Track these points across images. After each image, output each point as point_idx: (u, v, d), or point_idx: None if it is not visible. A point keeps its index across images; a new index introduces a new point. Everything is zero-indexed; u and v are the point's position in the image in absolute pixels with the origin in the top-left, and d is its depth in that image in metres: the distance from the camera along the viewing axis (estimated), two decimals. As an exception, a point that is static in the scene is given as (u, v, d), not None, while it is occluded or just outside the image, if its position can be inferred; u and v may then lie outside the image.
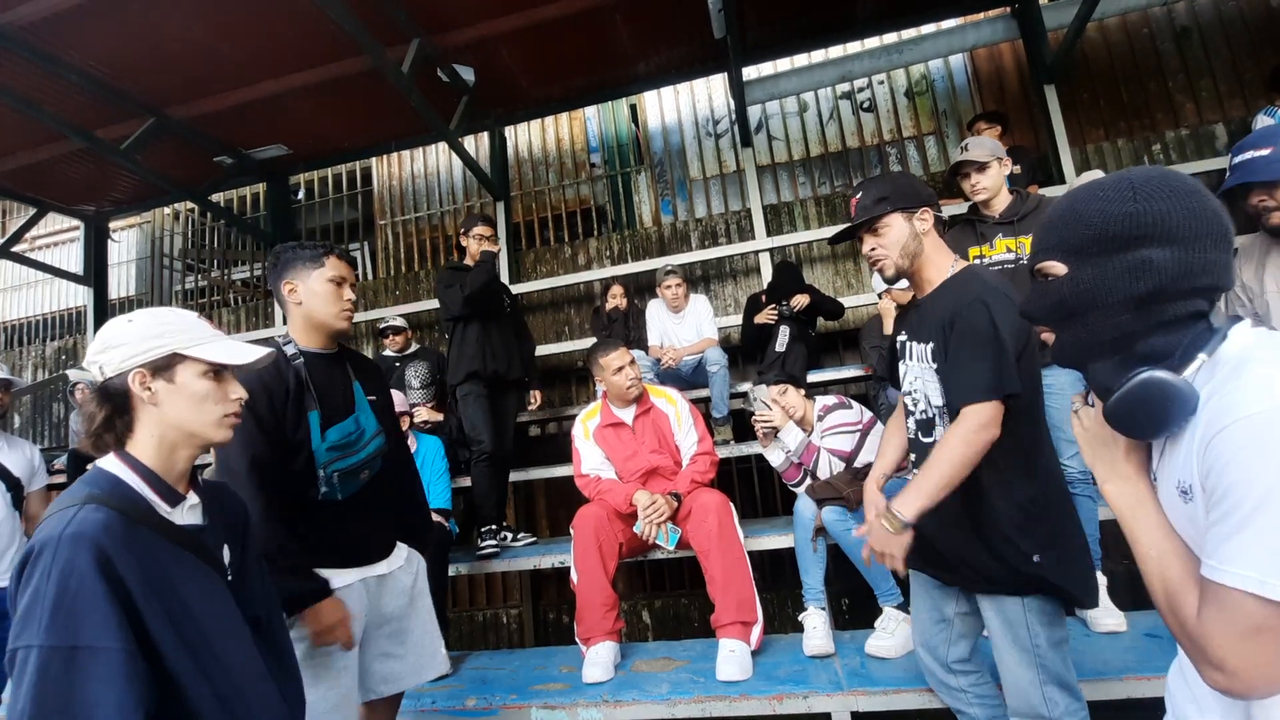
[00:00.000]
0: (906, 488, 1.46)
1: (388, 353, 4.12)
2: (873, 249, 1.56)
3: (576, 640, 2.48)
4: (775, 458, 2.72)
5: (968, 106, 4.92)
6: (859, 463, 2.63)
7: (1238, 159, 1.81)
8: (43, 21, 3.15)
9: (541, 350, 4.38)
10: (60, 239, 7.03)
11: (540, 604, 4.46)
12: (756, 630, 2.34)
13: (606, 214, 5.60)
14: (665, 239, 5.01)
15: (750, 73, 4.72)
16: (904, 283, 1.65)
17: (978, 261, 2.46)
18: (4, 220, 6.93)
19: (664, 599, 4.37)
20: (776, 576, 4.03)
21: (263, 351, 1.14)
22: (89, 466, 1.04)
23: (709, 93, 5.42)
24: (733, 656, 2.25)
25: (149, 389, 1.03)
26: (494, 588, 4.74)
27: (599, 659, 2.35)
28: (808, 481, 2.64)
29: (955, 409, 1.44)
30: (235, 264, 6.88)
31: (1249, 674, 0.66)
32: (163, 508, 1.02)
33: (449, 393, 3.40)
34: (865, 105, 5.18)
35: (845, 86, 5.13)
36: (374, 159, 5.88)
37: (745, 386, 3.80)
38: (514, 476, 3.60)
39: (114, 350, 1.03)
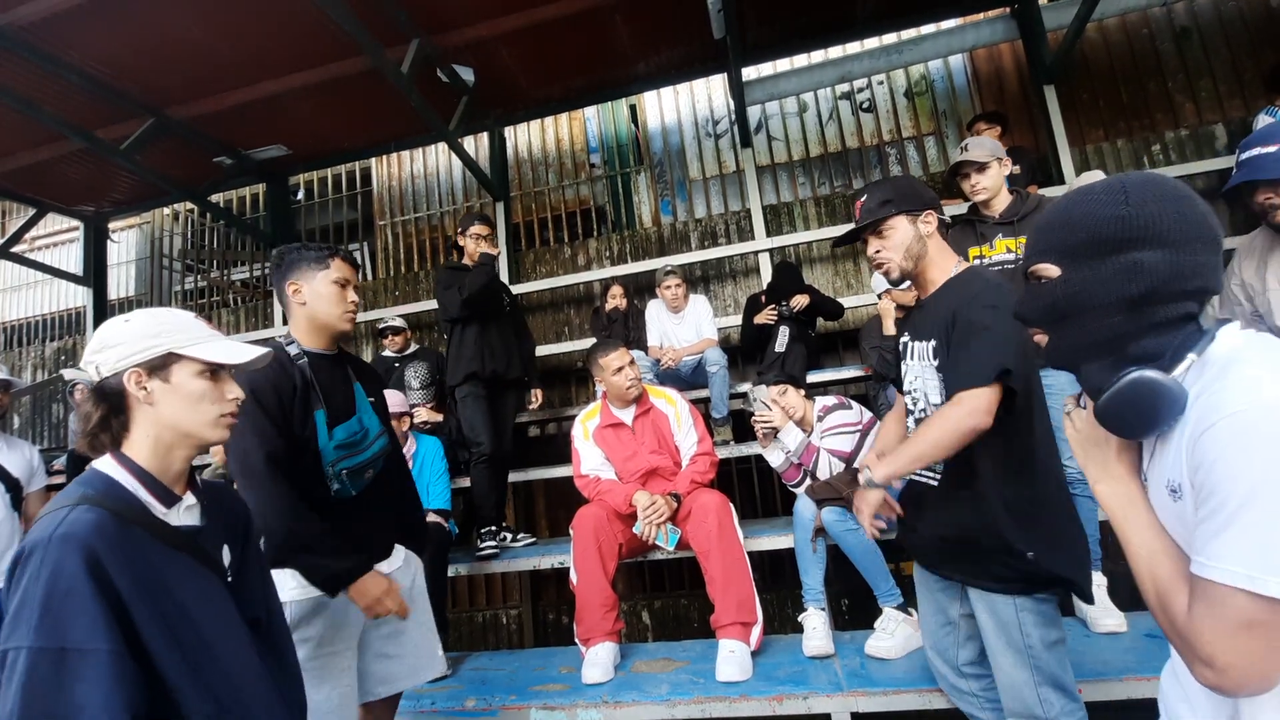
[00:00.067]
0: (885, 455, 1.55)
1: (387, 353, 4.12)
2: (877, 251, 1.59)
3: (576, 641, 2.48)
4: (775, 458, 2.72)
5: (967, 107, 4.92)
6: (859, 463, 2.62)
7: (1245, 155, 1.80)
8: (43, 21, 3.15)
9: (541, 351, 4.38)
10: (60, 239, 7.03)
11: (540, 605, 4.46)
12: (756, 631, 2.34)
13: (606, 214, 5.60)
14: (665, 239, 5.00)
15: (750, 73, 4.72)
16: (906, 283, 1.66)
17: (978, 262, 2.46)
18: (3, 221, 6.93)
19: (664, 600, 4.37)
20: (776, 577, 4.03)
21: (259, 351, 1.14)
22: (87, 468, 1.03)
23: (709, 93, 5.42)
24: (732, 657, 2.25)
25: (144, 388, 1.03)
26: (493, 588, 4.74)
27: (598, 660, 2.35)
28: (807, 482, 2.63)
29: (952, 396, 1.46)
30: (235, 264, 6.88)
31: (1239, 670, 0.67)
32: (158, 509, 1.02)
33: (448, 393, 3.39)
34: (865, 106, 5.18)
35: (845, 87, 5.13)
36: (373, 159, 5.88)
37: (745, 387, 3.79)
38: (513, 477, 3.59)
39: (110, 350, 1.03)
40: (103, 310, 5.35)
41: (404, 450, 3.00)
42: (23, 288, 7.16)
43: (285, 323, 5.43)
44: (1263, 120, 3.30)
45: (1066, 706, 1.46)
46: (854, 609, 3.86)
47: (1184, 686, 0.84)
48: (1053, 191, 3.73)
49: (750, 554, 2.50)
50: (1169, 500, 0.77)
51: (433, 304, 4.41)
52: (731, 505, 2.53)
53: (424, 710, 2.33)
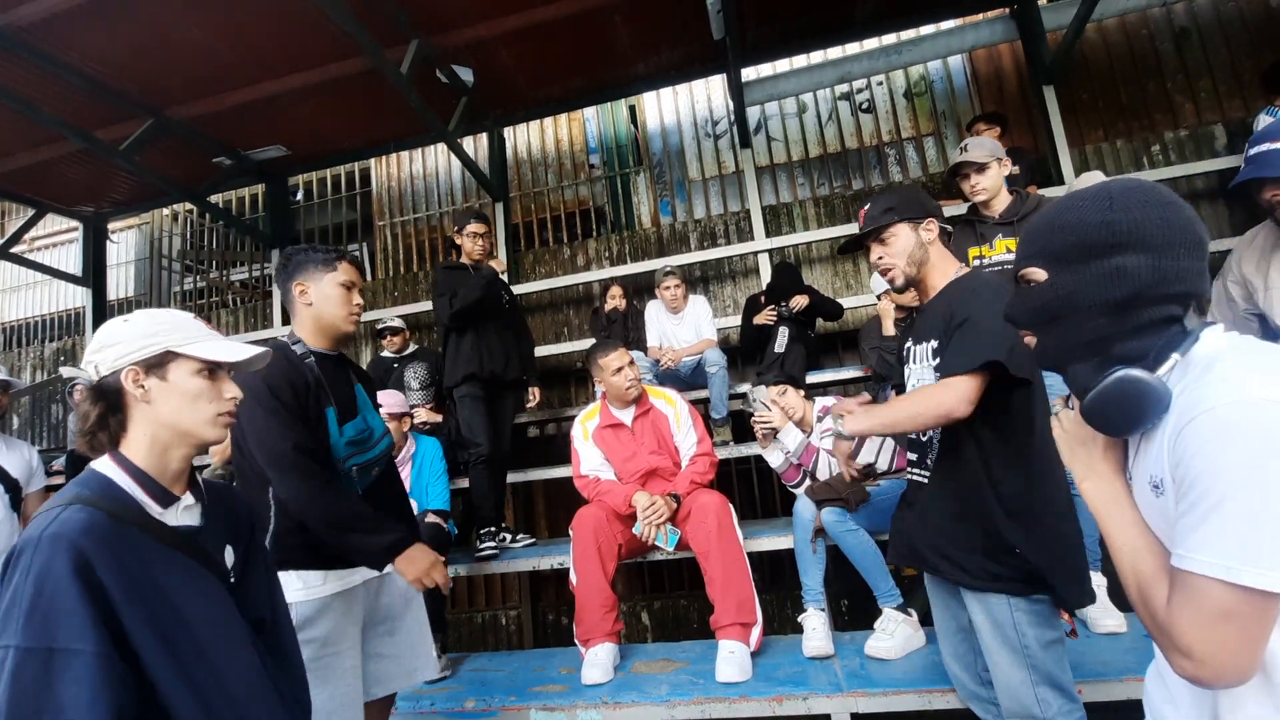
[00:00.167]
0: (860, 411, 1.63)
1: (386, 353, 4.12)
2: (880, 258, 1.64)
3: (575, 642, 2.48)
4: (774, 459, 2.71)
5: (967, 107, 4.92)
6: (858, 463, 2.62)
7: (1253, 151, 1.79)
8: (42, 22, 3.14)
9: (540, 351, 4.37)
10: (59, 240, 7.03)
11: (539, 605, 4.45)
12: (756, 631, 2.34)
13: (605, 215, 5.60)
14: (664, 240, 5.00)
15: (749, 74, 4.72)
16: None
17: (977, 262, 2.47)
18: (2, 221, 6.92)
19: (663, 600, 4.37)
20: (776, 578, 4.02)
21: (257, 350, 1.14)
22: (85, 468, 1.03)
23: (708, 94, 5.42)
24: (732, 658, 2.24)
25: (142, 386, 1.02)
26: (493, 589, 4.73)
27: (598, 660, 2.35)
28: (807, 482, 2.63)
29: None
30: (234, 265, 6.88)
31: (1216, 660, 0.69)
32: (154, 508, 1.02)
33: (446, 394, 3.39)
34: (864, 106, 5.19)
35: (844, 87, 5.14)
36: (373, 160, 5.88)
37: (744, 387, 3.79)
38: (513, 478, 3.59)
39: (109, 349, 1.03)
40: (102, 311, 5.34)
41: (404, 451, 3.01)
42: (22, 288, 7.15)
43: (284, 323, 5.44)
44: (1263, 120, 3.28)
45: (1064, 706, 1.46)
46: (854, 609, 3.85)
47: (1168, 686, 0.85)
48: (1052, 192, 3.73)
49: (750, 554, 2.50)
50: (1152, 496, 0.79)
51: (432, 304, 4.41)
52: (731, 506, 2.53)
53: (424, 711, 2.33)
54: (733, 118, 4.94)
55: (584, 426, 2.77)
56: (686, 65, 4.47)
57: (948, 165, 3.79)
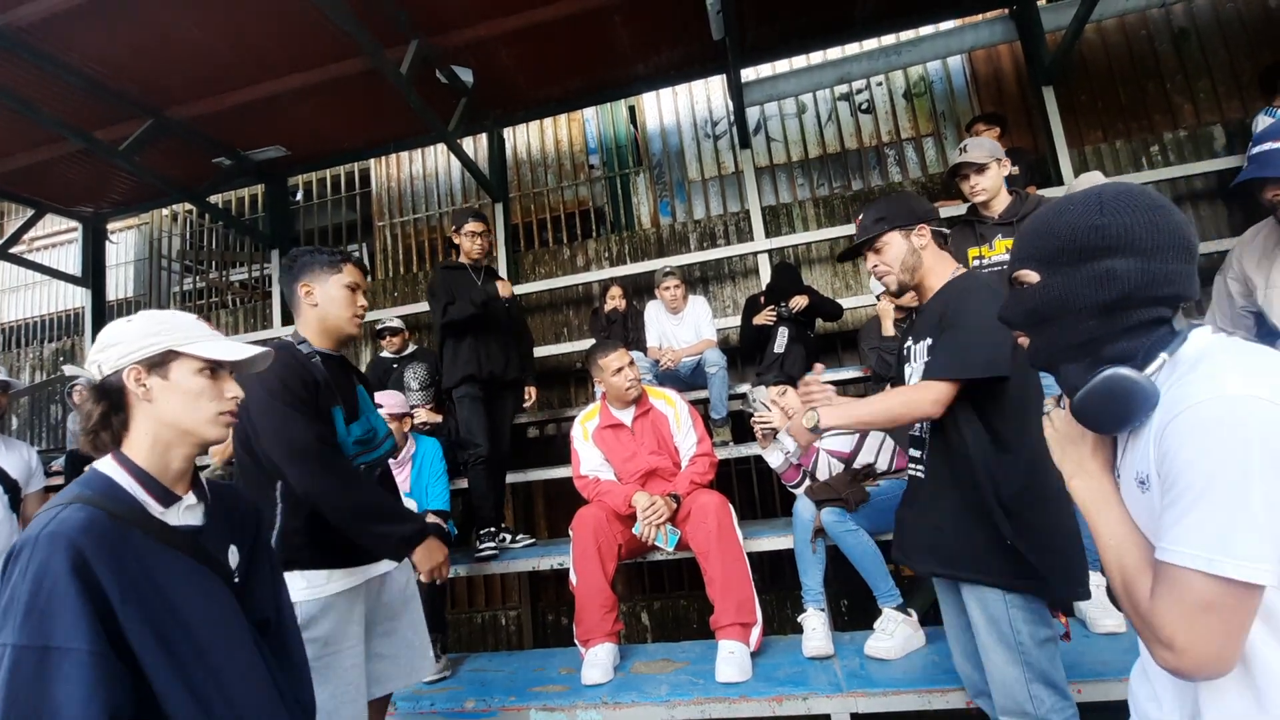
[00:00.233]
0: (835, 405, 1.61)
1: (385, 354, 4.11)
2: (875, 265, 1.69)
3: (575, 642, 2.48)
4: (774, 459, 2.72)
5: (966, 108, 4.92)
6: (858, 464, 2.63)
7: (1256, 150, 1.80)
8: (42, 22, 3.14)
9: (540, 351, 4.38)
10: (58, 240, 7.02)
11: (539, 606, 4.45)
12: (756, 632, 2.34)
13: (605, 215, 5.60)
14: (664, 240, 5.00)
15: (749, 74, 4.72)
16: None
17: (977, 262, 2.48)
18: (2, 221, 6.92)
19: (663, 600, 4.37)
20: (776, 578, 4.02)
21: (258, 350, 1.14)
22: (86, 468, 1.03)
23: (708, 94, 5.42)
24: (732, 658, 2.25)
25: (144, 385, 1.03)
26: (493, 589, 4.73)
27: (598, 661, 2.35)
28: (807, 483, 2.63)
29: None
30: (233, 265, 6.88)
31: (1196, 651, 0.70)
32: (155, 508, 1.02)
33: (445, 395, 3.39)
34: (864, 107, 5.19)
35: (844, 88, 5.14)
36: (372, 160, 5.87)
37: (744, 388, 3.80)
38: (512, 478, 3.59)
39: (112, 349, 1.03)
40: (101, 311, 5.33)
41: (404, 451, 3.01)
42: (21, 289, 7.14)
43: (284, 324, 5.43)
44: (1262, 121, 3.28)
45: (1057, 704, 1.47)
46: (853, 610, 3.86)
47: (1153, 683, 0.87)
48: (1052, 192, 3.73)
49: (750, 555, 2.50)
50: (1138, 493, 0.81)
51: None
52: (731, 506, 2.53)
53: (424, 711, 2.33)
54: (732, 118, 4.94)
55: (584, 427, 2.77)
56: (686, 65, 4.47)
57: (947, 166, 3.80)
